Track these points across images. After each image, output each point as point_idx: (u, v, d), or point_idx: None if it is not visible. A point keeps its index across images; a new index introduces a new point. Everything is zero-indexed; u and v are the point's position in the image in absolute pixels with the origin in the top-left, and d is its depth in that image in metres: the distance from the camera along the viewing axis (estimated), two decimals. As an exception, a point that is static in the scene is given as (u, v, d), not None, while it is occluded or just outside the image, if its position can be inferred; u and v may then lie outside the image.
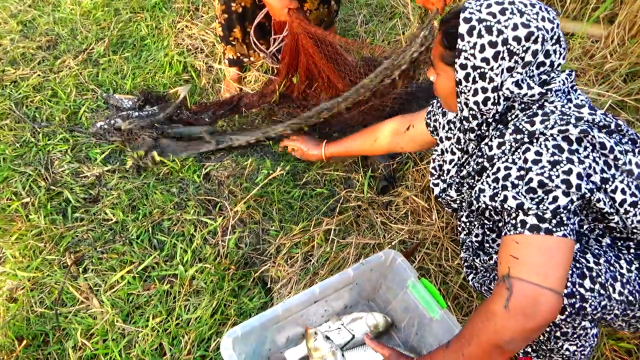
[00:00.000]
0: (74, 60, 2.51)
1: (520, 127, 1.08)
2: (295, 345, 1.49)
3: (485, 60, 1.05)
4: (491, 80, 1.07)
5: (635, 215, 1.10)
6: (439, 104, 1.47)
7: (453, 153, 1.35)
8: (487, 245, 1.36)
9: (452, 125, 1.38)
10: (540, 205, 1.01)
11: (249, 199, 1.86)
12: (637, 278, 1.13)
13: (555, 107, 1.07)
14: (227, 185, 1.95)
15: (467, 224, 1.43)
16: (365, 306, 1.64)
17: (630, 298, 1.12)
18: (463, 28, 1.06)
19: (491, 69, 1.05)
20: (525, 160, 1.05)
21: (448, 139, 1.38)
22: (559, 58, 1.09)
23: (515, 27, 1.03)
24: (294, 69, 2.30)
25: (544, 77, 1.09)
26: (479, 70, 1.06)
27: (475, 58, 1.06)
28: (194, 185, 1.96)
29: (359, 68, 2.31)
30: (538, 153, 1.04)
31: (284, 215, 1.87)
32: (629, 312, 1.16)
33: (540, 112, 1.08)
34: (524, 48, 1.04)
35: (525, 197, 1.03)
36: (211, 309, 1.56)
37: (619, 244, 1.18)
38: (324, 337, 1.43)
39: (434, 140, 1.52)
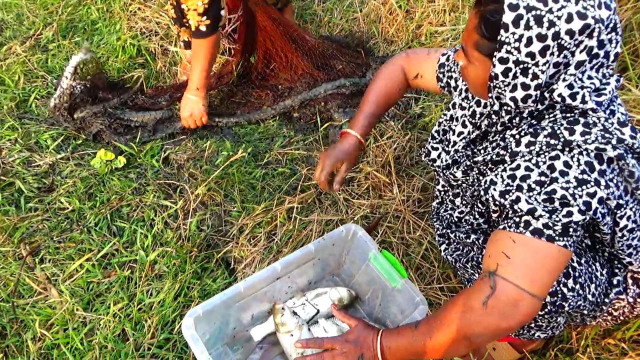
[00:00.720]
0: (21, 47, 2.41)
1: (558, 132, 0.98)
2: (260, 322, 1.50)
3: (530, 55, 0.91)
4: (535, 76, 0.94)
5: (627, 240, 1.10)
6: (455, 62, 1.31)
7: (464, 126, 1.25)
8: (468, 226, 1.34)
9: (469, 95, 1.26)
10: (553, 216, 0.96)
11: (209, 181, 1.83)
12: (605, 282, 1.17)
13: (599, 119, 0.97)
14: (187, 169, 1.92)
15: (445, 195, 1.41)
16: (330, 281, 1.66)
17: (599, 300, 1.16)
18: (508, 17, 0.90)
19: (536, 64, 0.92)
20: (552, 168, 0.98)
21: (462, 108, 1.27)
22: (615, 47, 0.95)
23: (569, 19, 0.88)
24: (251, 48, 2.27)
25: (596, 82, 0.97)
26: (521, 66, 0.94)
27: (519, 52, 0.92)
28: (153, 170, 1.92)
29: (317, 46, 2.31)
30: (567, 165, 0.97)
31: (245, 196, 1.85)
32: (591, 312, 1.21)
33: (582, 120, 0.98)
34: (576, 42, 0.90)
35: (539, 203, 0.97)
36: (174, 292, 1.55)
37: (597, 247, 1.19)
38: (291, 312, 1.44)
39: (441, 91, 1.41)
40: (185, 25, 2.22)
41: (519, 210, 1.00)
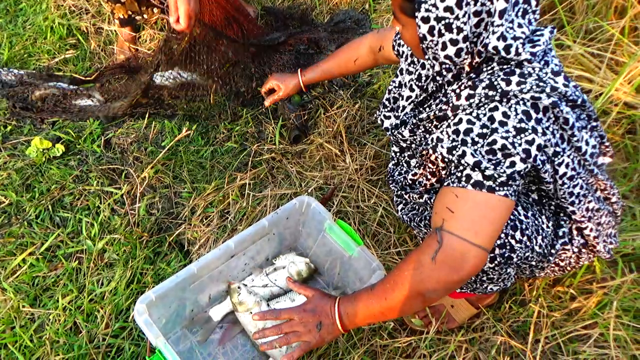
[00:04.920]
0: (-63, 33, 2.21)
1: (495, 83, 1.02)
2: (219, 302, 1.47)
3: (448, 9, 0.94)
4: (459, 30, 0.96)
5: (568, 187, 1.12)
6: None
7: (412, 90, 1.28)
8: (422, 187, 1.35)
9: (415, 60, 1.29)
10: (498, 167, 0.99)
11: (156, 163, 1.76)
12: (551, 233, 1.20)
13: (534, 69, 1.01)
14: (131, 152, 1.84)
15: (400, 156, 1.42)
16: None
17: (545, 251, 1.19)
18: None
19: (456, 17, 0.94)
20: (492, 119, 1.01)
21: (409, 73, 1.30)
22: None
23: None
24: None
25: (526, 30, 0.99)
26: (443, 22, 0.95)
27: (437, 8, 0.94)
28: (95, 156, 1.82)
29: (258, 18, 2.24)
30: (505, 115, 1.00)
31: (195, 176, 1.80)
32: (539, 263, 1.24)
33: (517, 71, 1.01)
34: None
35: (483, 156, 1.00)
36: (126, 279, 1.49)
37: (544, 201, 1.22)
38: (247, 290, 1.42)
39: None
40: (120, 2, 2.09)
41: (465, 164, 1.02)
